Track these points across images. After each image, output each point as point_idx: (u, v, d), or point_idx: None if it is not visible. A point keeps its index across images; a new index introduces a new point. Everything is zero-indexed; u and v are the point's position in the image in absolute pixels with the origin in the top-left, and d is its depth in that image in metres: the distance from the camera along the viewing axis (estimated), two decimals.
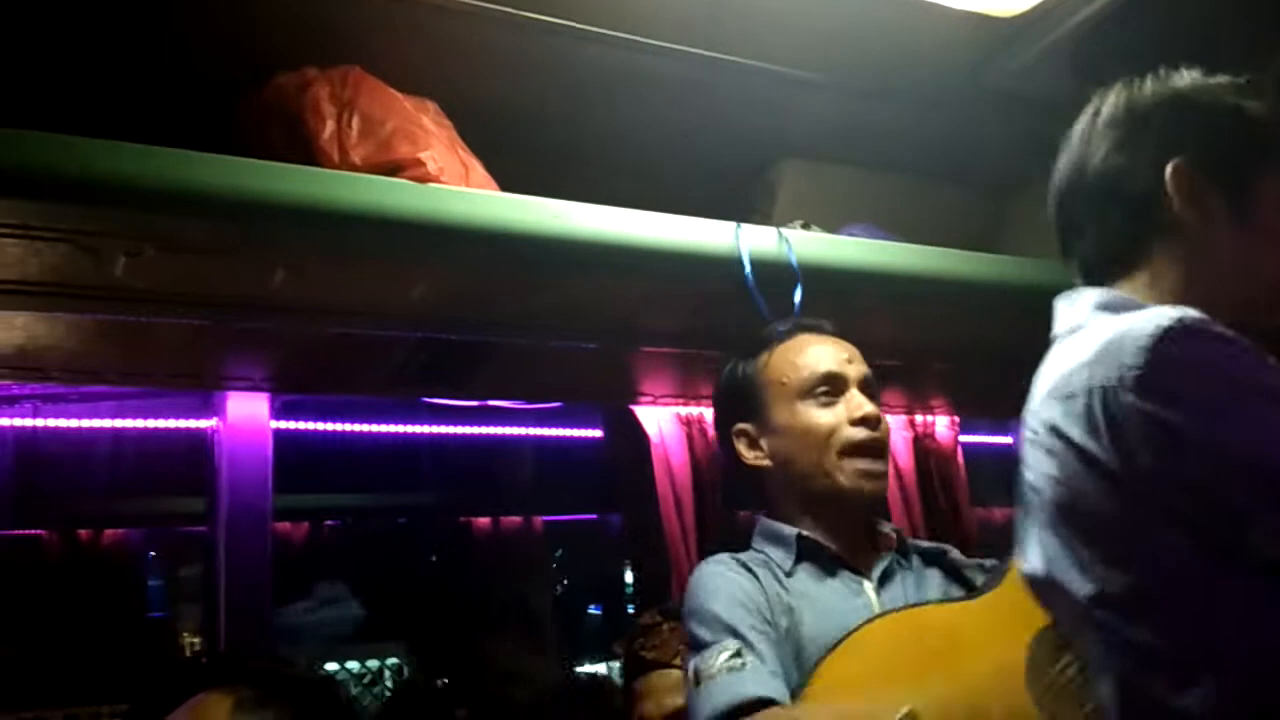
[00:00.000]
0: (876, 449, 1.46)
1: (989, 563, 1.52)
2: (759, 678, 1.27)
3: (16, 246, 1.45)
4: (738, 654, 1.28)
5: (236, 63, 1.73)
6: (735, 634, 1.31)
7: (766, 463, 1.49)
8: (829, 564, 1.44)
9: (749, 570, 1.41)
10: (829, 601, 1.40)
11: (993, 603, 1.34)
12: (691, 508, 2.45)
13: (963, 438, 2.86)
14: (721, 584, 1.39)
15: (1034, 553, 1.04)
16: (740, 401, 1.53)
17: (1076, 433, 0.97)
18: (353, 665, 5.23)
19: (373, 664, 5.28)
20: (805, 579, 1.42)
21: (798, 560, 1.43)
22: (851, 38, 1.92)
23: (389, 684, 5.25)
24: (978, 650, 1.29)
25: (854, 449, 1.44)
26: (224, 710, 1.19)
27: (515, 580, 5.57)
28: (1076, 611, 0.99)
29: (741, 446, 1.51)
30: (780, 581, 1.41)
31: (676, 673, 1.68)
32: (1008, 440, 3.32)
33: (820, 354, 1.50)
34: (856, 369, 1.50)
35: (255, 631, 1.97)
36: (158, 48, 1.73)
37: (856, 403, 1.46)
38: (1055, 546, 1.00)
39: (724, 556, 1.46)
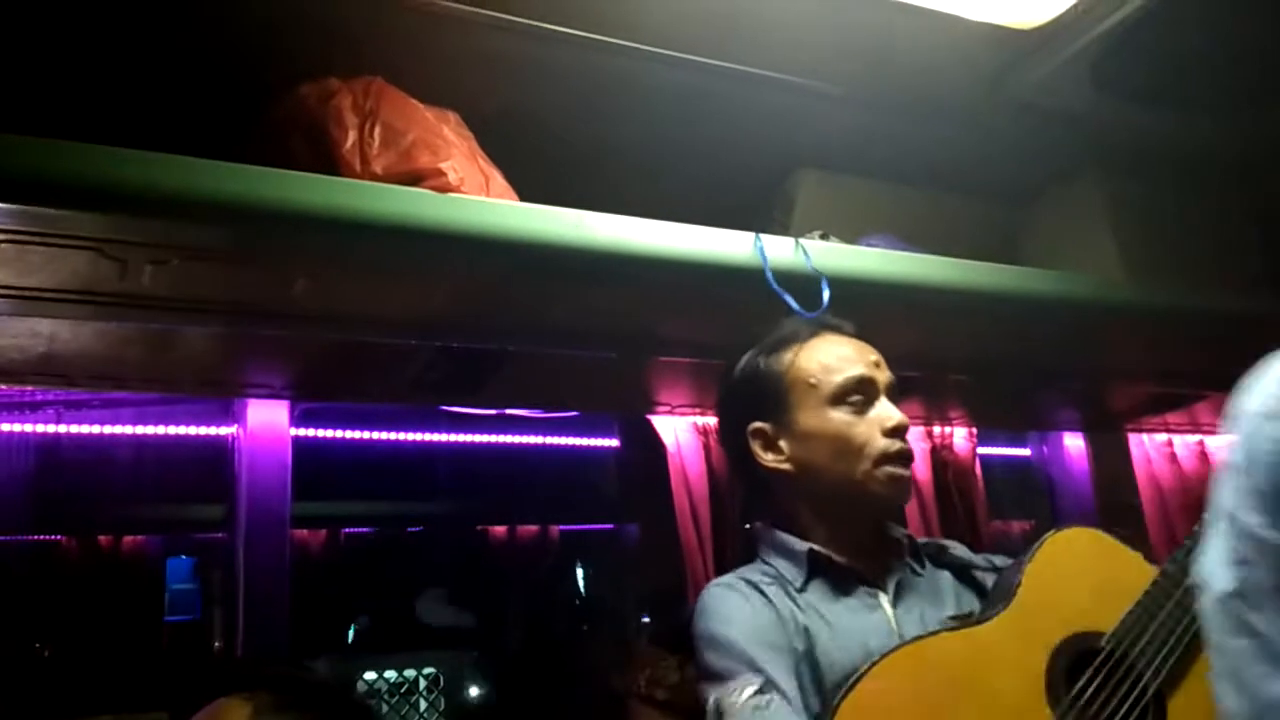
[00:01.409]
0: (907, 458, 1.42)
1: (997, 560, 1.50)
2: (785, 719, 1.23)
3: (40, 254, 1.46)
4: (761, 690, 1.24)
5: (258, 73, 1.75)
6: (755, 668, 1.27)
7: (786, 466, 1.43)
8: (843, 579, 1.39)
9: (761, 592, 1.36)
10: (845, 620, 1.35)
11: (1007, 624, 1.31)
12: (708, 518, 2.44)
13: (980, 449, 2.86)
14: (736, 610, 1.34)
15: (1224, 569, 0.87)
16: (759, 399, 1.46)
17: None
18: (390, 675, 5.21)
19: (410, 674, 5.25)
20: (819, 596, 1.38)
21: (810, 577, 1.39)
22: (870, 49, 1.92)
23: (425, 695, 5.23)
24: (998, 675, 1.26)
25: (886, 459, 1.40)
26: (243, 717, 1.20)
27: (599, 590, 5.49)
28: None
29: (757, 446, 1.45)
30: (793, 599, 1.37)
31: None
32: (1025, 452, 3.31)
33: (851, 357, 1.45)
34: (885, 375, 1.46)
35: (274, 638, 1.97)
36: (180, 57, 1.76)
37: (888, 413, 1.42)
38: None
39: (732, 578, 1.41)
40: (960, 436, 2.80)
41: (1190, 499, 3.06)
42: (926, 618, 1.38)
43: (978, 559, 1.50)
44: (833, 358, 1.45)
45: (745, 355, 1.52)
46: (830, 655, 1.30)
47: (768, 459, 1.45)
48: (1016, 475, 3.31)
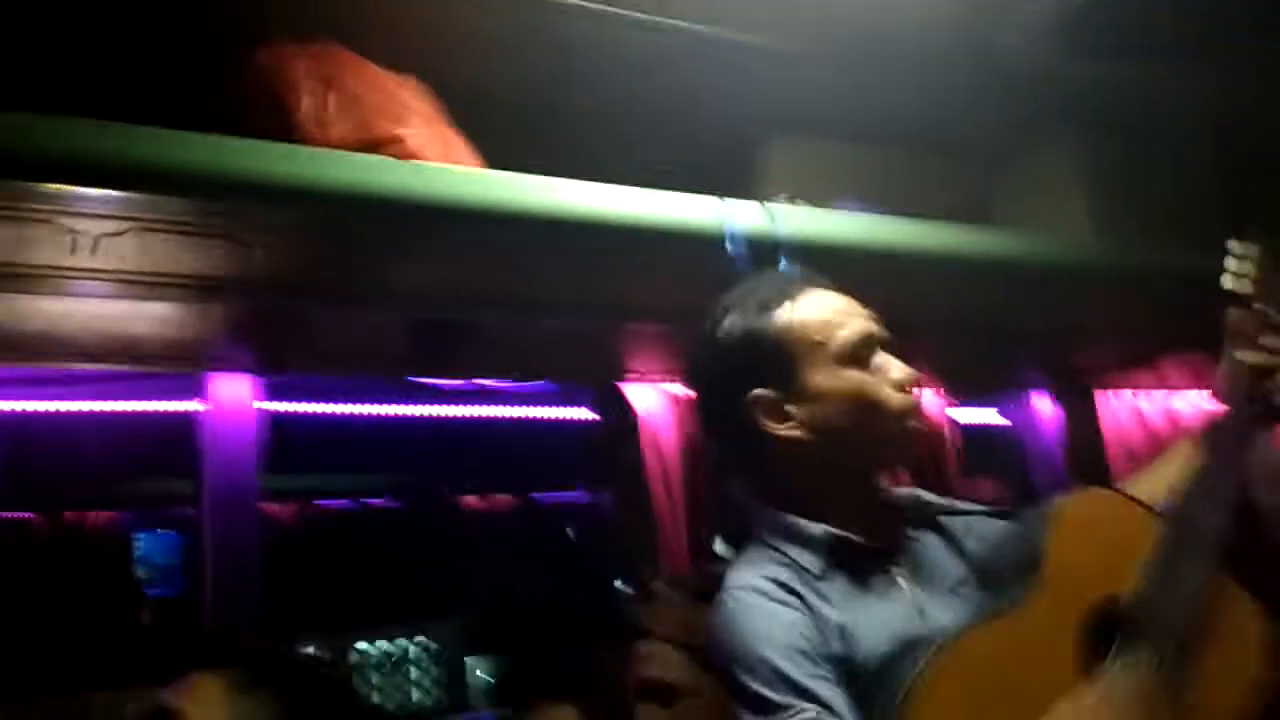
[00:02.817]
0: (920, 413, 1.35)
1: (962, 506, 1.44)
2: None
3: None
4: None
5: (218, 39, 1.72)
6: (804, 692, 1.16)
7: (800, 433, 1.30)
8: (862, 562, 1.30)
9: (788, 590, 1.25)
10: (875, 610, 1.26)
11: (1038, 607, 1.25)
12: (680, 483, 2.45)
13: (952, 412, 2.87)
14: (765, 622, 1.22)
15: None
16: (757, 365, 1.31)
17: None
18: (382, 644, 5.17)
19: (402, 644, 5.20)
20: (841, 585, 1.27)
21: (829, 564, 1.28)
22: (842, 11, 1.91)
23: (417, 666, 5.21)
24: (1036, 665, 1.20)
25: (906, 414, 1.32)
26: (217, 692, 1.19)
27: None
28: None
29: (762, 416, 1.30)
30: (820, 594, 1.26)
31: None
32: (996, 414, 3.32)
33: (850, 311, 1.34)
34: (881, 329, 1.36)
35: (242, 613, 1.96)
36: (138, 23, 1.72)
37: (896, 366, 1.32)
38: None
39: (755, 578, 1.27)
40: (931, 398, 2.81)
41: (1157, 456, 3.09)
42: (938, 587, 1.32)
43: (944, 503, 1.42)
44: (832, 312, 1.33)
45: (724, 318, 1.35)
46: (864, 649, 1.22)
47: (778, 429, 1.30)
48: (988, 436, 3.33)
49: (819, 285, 1.38)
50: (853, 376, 1.31)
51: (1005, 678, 1.20)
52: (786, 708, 1.16)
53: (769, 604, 1.24)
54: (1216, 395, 1.36)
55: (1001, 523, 1.40)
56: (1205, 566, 1.23)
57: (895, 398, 1.31)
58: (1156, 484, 1.37)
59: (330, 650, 4.94)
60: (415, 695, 5.13)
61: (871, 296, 1.39)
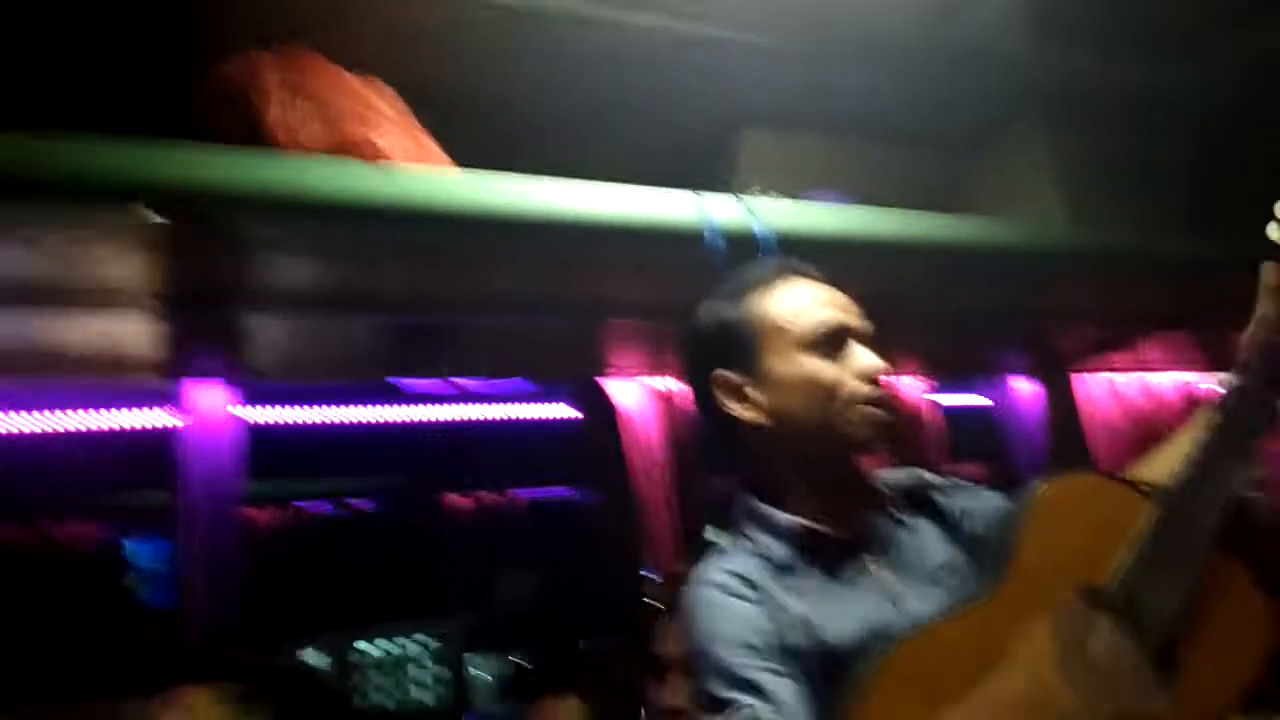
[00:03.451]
0: (884, 403, 1.33)
1: (960, 483, 1.44)
2: None
3: None
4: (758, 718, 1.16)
5: (186, 48, 1.70)
6: (747, 686, 1.18)
7: (757, 417, 1.33)
8: (832, 552, 1.31)
9: (749, 583, 1.26)
10: (841, 598, 1.27)
11: (1008, 596, 1.23)
12: (665, 478, 2.45)
13: (934, 396, 2.88)
14: (721, 618, 1.24)
15: None
16: (725, 346, 1.35)
17: None
18: (383, 644, 5.17)
19: (401, 643, 5.18)
20: (810, 576, 1.28)
21: (796, 555, 1.29)
22: (811, 3, 1.90)
23: (417, 665, 5.20)
24: (997, 659, 1.18)
25: (861, 401, 1.30)
26: (206, 703, 1.19)
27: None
28: None
29: (722, 396, 1.34)
30: (783, 585, 1.27)
31: None
32: (977, 399, 3.34)
33: (825, 301, 1.35)
34: (860, 321, 1.37)
35: (228, 622, 1.95)
36: (106, 32, 1.70)
37: (865, 357, 1.32)
38: None
39: (717, 571, 1.29)
40: (911, 385, 2.82)
41: (1138, 436, 3.12)
42: (917, 575, 1.31)
43: (946, 482, 1.42)
44: (806, 301, 1.34)
45: (707, 302, 1.39)
46: (831, 640, 1.22)
47: (736, 410, 1.33)
48: (970, 420, 3.34)
49: (804, 275, 1.39)
50: (811, 363, 1.31)
51: (962, 670, 1.18)
52: (728, 703, 1.18)
53: (723, 598, 1.26)
54: (1237, 359, 1.26)
55: (998, 502, 1.38)
56: (1199, 548, 1.21)
57: (855, 386, 1.31)
58: (1171, 460, 1.32)
59: (330, 651, 4.96)
60: (416, 693, 5.17)
61: (850, 286, 1.38)
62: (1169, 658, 1.21)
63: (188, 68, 1.69)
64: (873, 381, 1.32)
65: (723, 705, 1.18)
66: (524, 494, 5.89)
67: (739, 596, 1.26)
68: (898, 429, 2.65)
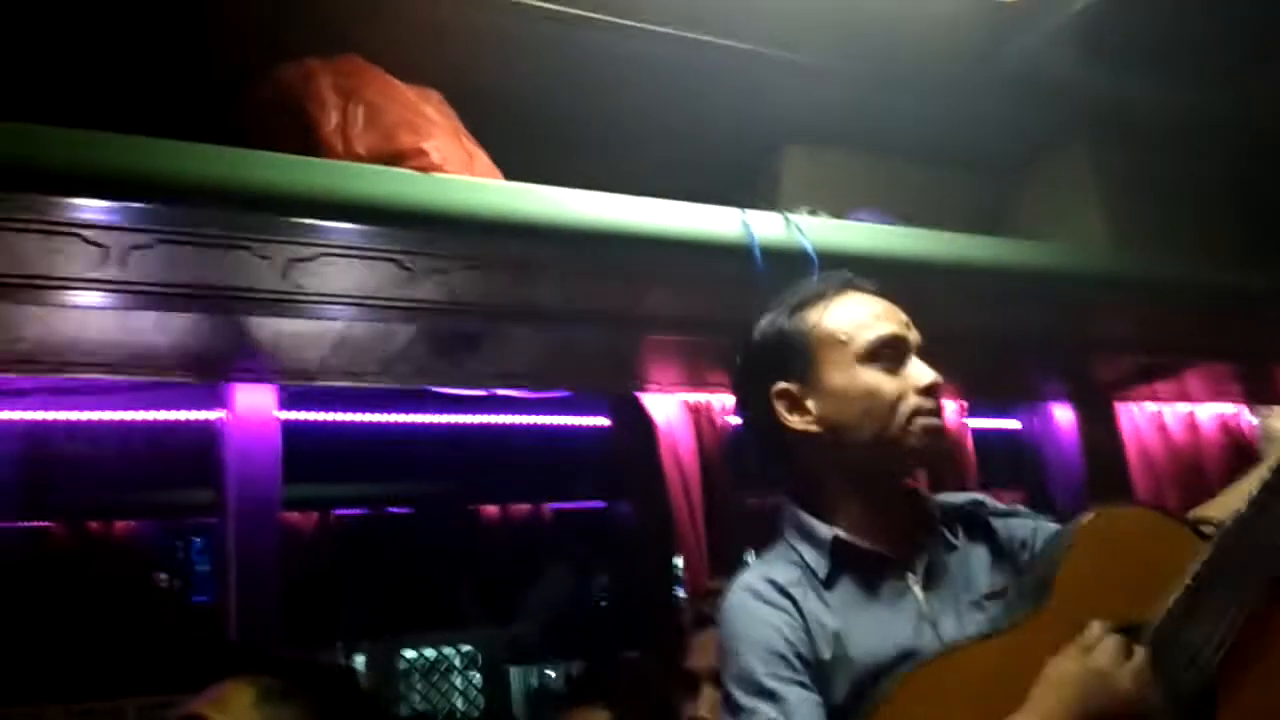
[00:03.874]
0: (938, 415, 1.35)
1: (1022, 511, 1.42)
2: None
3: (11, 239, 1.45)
4: None
5: (237, 54, 1.74)
6: (769, 695, 1.19)
7: (814, 428, 1.34)
8: (870, 567, 1.31)
9: (783, 592, 1.28)
10: (875, 615, 1.27)
11: (1042, 626, 1.21)
12: (700, 494, 2.45)
13: (969, 421, 2.86)
14: (752, 624, 1.26)
15: None
16: (784, 359, 1.36)
17: None
18: (429, 652, 5.24)
19: (449, 652, 5.25)
20: (846, 590, 1.29)
21: (834, 567, 1.30)
22: (857, 23, 1.91)
23: (462, 672, 5.24)
24: (1020, 690, 1.17)
25: (919, 414, 1.32)
26: (247, 700, 1.20)
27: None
28: None
29: (782, 408, 1.35)
30: (821, 598, 1.28)
31: None
32: (1014, 424, 3.31)
33: (882, 314, 1.37)
34: (915, 335, 1.38)
35: (265, 621, 1.97)
36: (157, 39, 1.74)
37: (921, 371, 1.34)
38: None
39: (755, 578, 1.30)
40: (950, 408, 2.80)
41: (1180, 469, 3.07)
42: (960, 600, 1.31)
43: (1006, 509, 1.41)
44: (864, 314, 1.37)
45: (765, 316, 1.42)
46: (861, 655, 1.23)
47: (794, 421, 1.35)
48: (1007, 446, 3.31)
49: (861, 289, 1.41)
50: (870, 376, 1.33)
51: (981, 693, 1.17)
52: (748, 710, 1.20)
53: (757, 604, 1.28)
54: None
55: (1053, 532, 1.37)
56: (1251, 587, 1.18)
57: (912, 399, 1.32)
58: (1234, 501, 1.30)
59: (375, 657, 5.04)
60: (459, 702, 5.25)
61: (896, 306, 1.39)
62: (1208, 698, 1.19)
63: (241, 76, 1.72)
64: (929, 393, 1.33)
65: (740, 710, 1.20)
66: (559, 506, 5.92)
67: (772, 604, 1.27)
68: (952, 440, 2.63)
